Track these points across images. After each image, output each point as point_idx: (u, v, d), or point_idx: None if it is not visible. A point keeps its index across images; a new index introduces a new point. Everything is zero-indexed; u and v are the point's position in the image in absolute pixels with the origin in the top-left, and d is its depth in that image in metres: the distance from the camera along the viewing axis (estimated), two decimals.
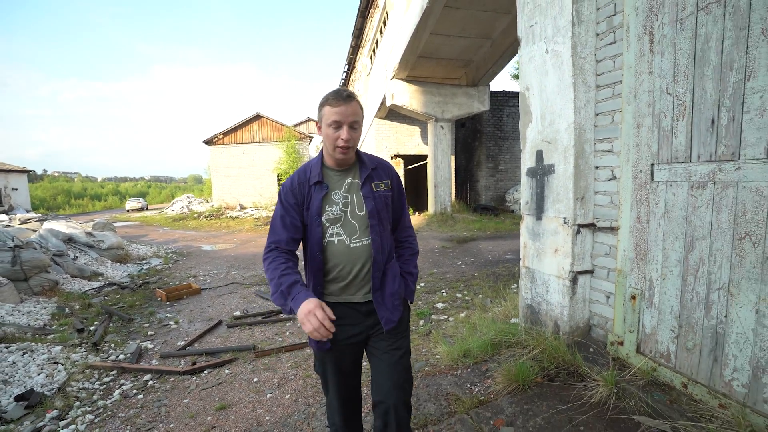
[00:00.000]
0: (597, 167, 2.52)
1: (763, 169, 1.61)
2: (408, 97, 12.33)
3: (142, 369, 3.58)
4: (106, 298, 6.23)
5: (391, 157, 15.23)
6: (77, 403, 2.99)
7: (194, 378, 3.37)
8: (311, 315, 1.28)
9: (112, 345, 4.24)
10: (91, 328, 4.76)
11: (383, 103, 13.15)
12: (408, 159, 15.97)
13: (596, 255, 2.57)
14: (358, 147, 1.58)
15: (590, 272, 2.61)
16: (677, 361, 2.05)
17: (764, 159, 1.61)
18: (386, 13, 12.41)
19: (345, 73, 17.34)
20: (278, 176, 24.45)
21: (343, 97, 1.45)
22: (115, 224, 12.90)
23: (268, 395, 2.94)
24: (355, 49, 15.51)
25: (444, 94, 12.90)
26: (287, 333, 4.34)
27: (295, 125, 26.68)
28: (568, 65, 2.49)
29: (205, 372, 3.47)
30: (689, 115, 1.92)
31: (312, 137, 26.29)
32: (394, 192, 1.66)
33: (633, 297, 2.28)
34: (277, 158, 23.89)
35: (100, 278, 7.41)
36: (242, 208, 23.77)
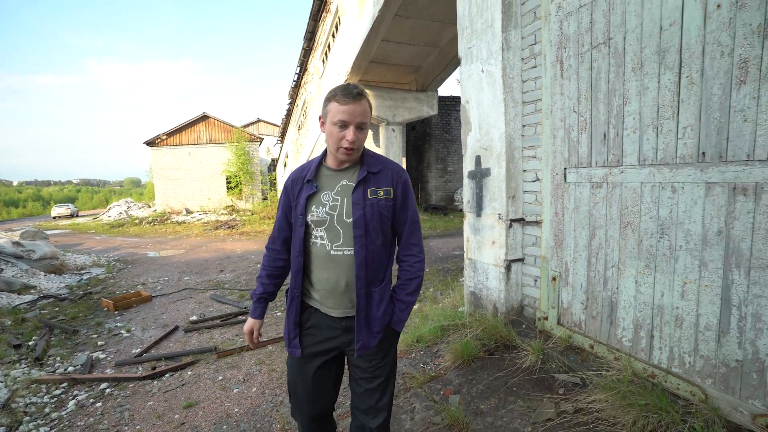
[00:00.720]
0: (524, 170, 2.98)
1: (637, 173, 2.10)
2: None
3: (97, 378, 3.52)
4: (42, 311, 5.85)
5: None
6: (27, 418, 2.92)
7: (155, 382, 3.40)
8: (246, 334, 1.62)
9: (58, 358, 4.08)
10: (30, 343, 4.51)
11: None
12: None
13: (526, 245, 3.03)
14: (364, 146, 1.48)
15: (521, 260, 3.06)
16: (586, 328, 2.52)
17: (637, 165, 2.10)
18: (338, 18, 12.62)
19: (297, 75, 17.26)
20: (227, 179, 23.65)
21: (352, 94, 1.33)
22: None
23: (235, 390, 3.08)
24: (307, 52, 15.52)
25: (395, 99, 13.36)
26: None
27: (245, 126, 25.93)
28: (500, 84, 2.92)
29: (167, 376, 3.51)
30: (589, 129, 2.40)
31: (263, 139, 25.70)
32: (397, 202, 1.46)
33: (554, 278, 2.74)
34: (225, 160, 23.11)
35: (32, 291, 6.90)
36: (189, 212, 22.70)
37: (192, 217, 20.11)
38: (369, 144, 15.75)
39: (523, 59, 2.92)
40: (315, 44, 14.99)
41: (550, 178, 2.71)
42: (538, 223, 2.89)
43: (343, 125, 1.33)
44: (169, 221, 19.32)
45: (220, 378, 3.32)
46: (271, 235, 1.62)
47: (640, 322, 2.16)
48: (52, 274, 7.94)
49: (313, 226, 1.44)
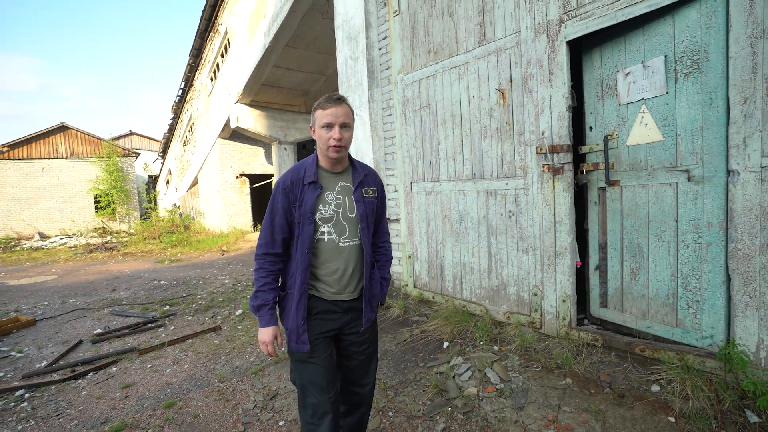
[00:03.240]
0: (388, 184, 4.31)
1: (447, 185, 3.56)
2: (252, 121, 13.14)
3: (9, 388, 3.63)
4: None
5: (237, 176, 15.54)
6: None
7: (80, 381, 3.70)
8: (264, 345, 1.61)
9: None
10: None
11: (227, 124, 13.54)
12: (253, 178, 16.49)
13: (392, 236, 4.35)
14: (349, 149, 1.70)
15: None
16: (429, 286, 3.91)
17: (447, 181, 3.56)
18: (228, 39, 12.99)
19: (182, 90, 16.70)
20: (96, 197, 21.01)
21: (333, 99, 1.57)
22: None
23: (168, 370, 3.65)
24: (193, 68, 15.28)
25: (286, 120, 14.20)
26: (163, 335, 4.84)
27: (115, 139, 23.33)
28: (368, 125, 4.22)
29: (90, 375, 3.81)
30: (422, 158, 3.82)
31: (139, 153, 23.51)
32: (379, 199, 1.78)
33: (409, 257, 4.09)
34: (93, 177, 20.57)
35: None
36: (44, 236, 19.46)
37: (51, 242, 17.40)
38: (261, 161, 16.16)
39: (383, 109, 4.28)
40: (202, 61, 14.93)
41: (403, 189, 4.08)
42: (398, 220, 4.23)
43: (329, 126, 1.55)
44: (18, 248, 16.40)
45: (149, 366, 3.81)
46: (264, 242, 1.64)
47: (455, 275, 3.60)
48: None
49: (320, 223, 1.62)
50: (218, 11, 12.88)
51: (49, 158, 20.42)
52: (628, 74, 2.47)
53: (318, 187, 1.61)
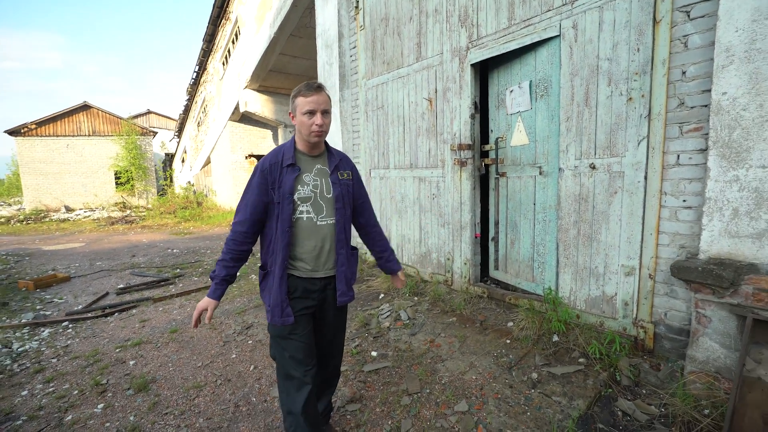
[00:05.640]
0: None
1: (394, 172, 4.43)
2: (260, 105, 14.01)
3: (57, 320, 4.76)
4: None
5: (246, 157, 16.55)
6: (15, 343, 4.16)
7: (109, 318, 4.80)
8: (197, 311, 1.69)
9: (4, 318, 5.10)
10: None
11: (237, 108, 14.46)
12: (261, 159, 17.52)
13: None
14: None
15: None
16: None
17: (394, 169, 4.43)
18: (238, 27, 13.76)
19: (196, 73, 17.63)
20: (116, 173, 22.43)
21: (313, 87, 1.65)
22: None
23: (174, 312, 4.71)
24: (206, 52, 16.14)
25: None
26: (173, 290, 5.92)
27: (134, 117, 24.56)
28: (338, 121, 5.07)
29: (116, 315, 4.91)
30: (378, 149, 4.68)
31: (156, 132, 24.76)
32: (355, 182, 1.88)
33: None
34: (114, 154, 21.93)
35: None
36: (69, 209, 21.03)
37: (76, 215, 18.91)
38: (269, 143, 17.11)
39: (352, 107, 5.12)
40: (215, 47, 15.76)
41: (365, 174, 4.96)
42: None
43: (311, 113, 1.63)
44: (47, 219, 17.93)
45: (160, 309, 4.89)
46: (238, 219, 1.73)
47: (398, 244, 4.51)
48: None
49: (299, 202, 1.71)
50: (229, 0, 13.61)
51: (73, 135, 21.80)
52: (511, 92, 3.26)
53: (296, 169, 1.70)
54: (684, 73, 2.24)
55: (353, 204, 1.90)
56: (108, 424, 2.42)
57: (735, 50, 1.93)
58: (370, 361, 2.91)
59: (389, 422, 2.25)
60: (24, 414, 2.59)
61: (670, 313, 2.43)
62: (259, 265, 1.81)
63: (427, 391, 2.49)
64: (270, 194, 1.70)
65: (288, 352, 1.73)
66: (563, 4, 2.72)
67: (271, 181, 1.69)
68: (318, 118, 1.65)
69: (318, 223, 1.75)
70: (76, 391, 2.83)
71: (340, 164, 1.83)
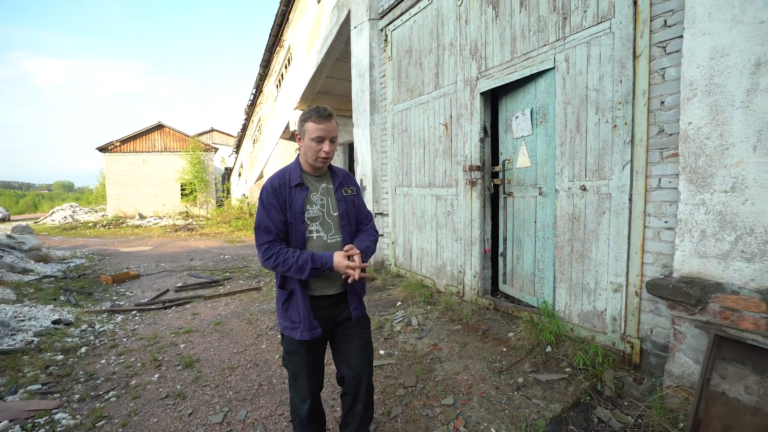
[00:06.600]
0: (382, 187, 5.62)
1: (416, 190, 4.80)
2: None
3: (128, 309, 5.63)
4: (50, 285, 7.61)
5: None
6: (97, 324, 5.02)
7: (167, 311, 5.58)
8: (343, 267, 1.63)
9: (89, 304, 6.07)
10: (62, 298, 6.43)
11: (287, 127, 15.65)
12: None
13: (383, 227, 5.66)
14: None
15: (381, 235, 5.69)
16: (403, 264, 5.18)
17: (415, 187, 4.80)
18: (290, 53, 15.03)
19: (253, 95, 19.34)
20: (182, 186, 24.83)
21: (324, 115, 1.68)
22: None
23: (220, 308, 5.38)
24: (262, 77, 17.72)
25: (339, 123, 15.93)
26: (221, 290, 6.67)
27: (199, 135, 27.18)
28: (369, 142, 5.56)
29: (173, 308, 5.69)
30: (402, 169, 5.08)
31: (217, 148, 27.13)
32: (357, 197, 1.91)
33: (393, 242, 5.38)
34: (180, 168, 24.34)
35: (31, 273, 8.51)
36: (142, 217, 23.59)
37: (147, 222, 21.20)
38: None
39: (381, 130, 5.59)
40: (270, 71, 17.24)
41: (391, 191, 5.38)
42: (387, 215, 5.54)
43: (320, 140, 1.67)
44: (124, 225, 20.30)
45: (209, 305, 5.59)
46: (265, 240, 1.70)
47: (418, 257, 4.84)
48: (41, 263, 9.49)
49: (309, 222, 1.72)
50: (283, 29, 14.95)
51: (148, 152, 24.59)
52: (516, 118, 3.54)
53: (304, 188, 1.72)
54: (662, 102, 2.43)
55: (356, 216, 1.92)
56: (161, 389, 3.00)
57: (697, 84, 2.12)
58: (377, 358, 3.26)
59: (382, 408, 2.58)
60: (102, 376, 3.28)
61: (655, 329, 2.55)
62: (278, 284, 1.80)
63: (421, 386, 2.79)
64: (284, 213, 1.71)
65: (298, 366, 1.79)
66: (557, 39, 3.00)
67: (282, 201, 1.71)
68: (326, 146, 1.69)
69: (328, 241, 1.77)
70: (139, 364, 3.49)
71: (343, 181, 1.87)
